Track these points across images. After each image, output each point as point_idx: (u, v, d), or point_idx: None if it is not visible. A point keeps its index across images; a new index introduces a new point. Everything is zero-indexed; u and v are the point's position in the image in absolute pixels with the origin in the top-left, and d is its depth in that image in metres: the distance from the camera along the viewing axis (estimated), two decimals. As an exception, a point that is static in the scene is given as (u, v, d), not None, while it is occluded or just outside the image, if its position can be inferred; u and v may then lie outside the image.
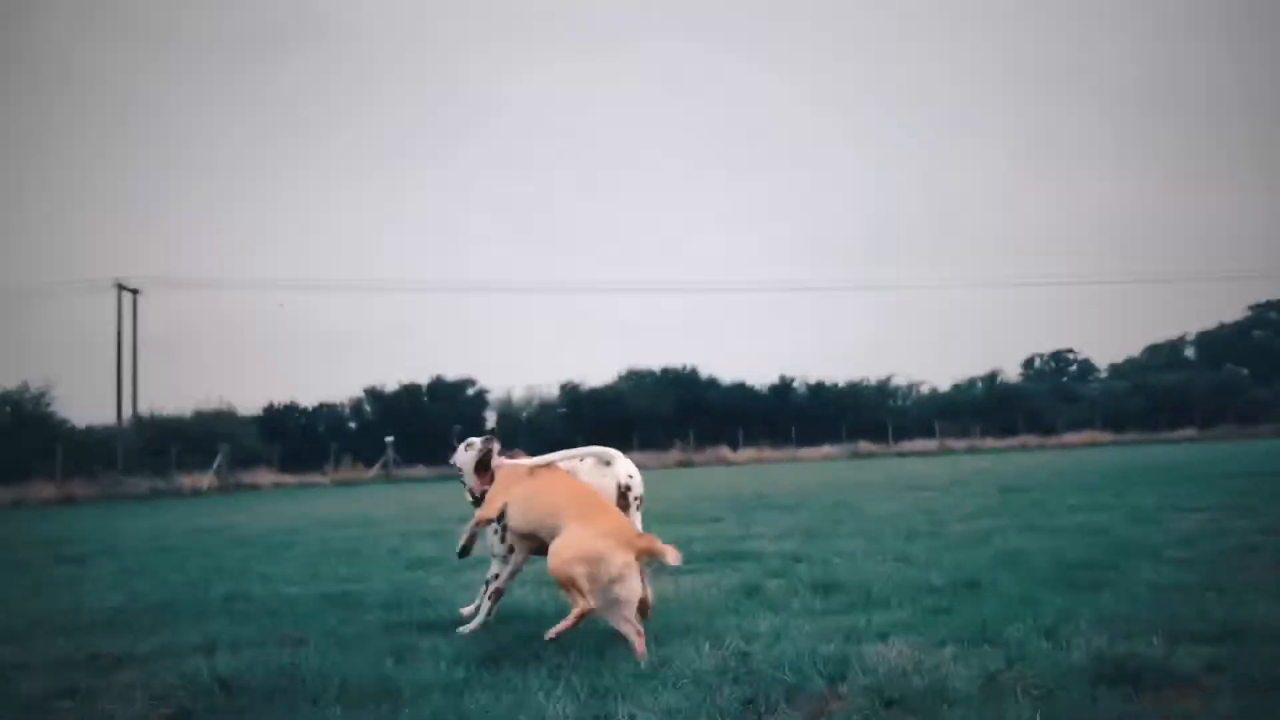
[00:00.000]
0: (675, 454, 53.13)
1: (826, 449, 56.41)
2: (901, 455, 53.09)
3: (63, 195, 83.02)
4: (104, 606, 7.21)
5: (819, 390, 64.56)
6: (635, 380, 60.96)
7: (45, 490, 33.81)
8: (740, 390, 62.77)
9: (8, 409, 38.11)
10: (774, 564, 7.80)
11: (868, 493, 17.19)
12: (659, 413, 57.69)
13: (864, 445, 56.76)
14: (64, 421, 40.02)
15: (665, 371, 62.33)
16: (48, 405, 39.37)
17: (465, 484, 5.72)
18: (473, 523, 5.39)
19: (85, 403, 63.69)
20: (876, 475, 25.67)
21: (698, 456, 52.81)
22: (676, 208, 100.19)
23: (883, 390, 67.03)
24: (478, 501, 5.60)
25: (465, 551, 5.54)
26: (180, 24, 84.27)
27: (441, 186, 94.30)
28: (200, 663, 5.02)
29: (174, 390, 73.02)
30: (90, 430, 42.08)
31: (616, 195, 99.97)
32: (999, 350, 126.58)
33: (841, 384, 65.33)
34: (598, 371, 76.92)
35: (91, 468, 37.43)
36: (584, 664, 4.35)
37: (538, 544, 5.06)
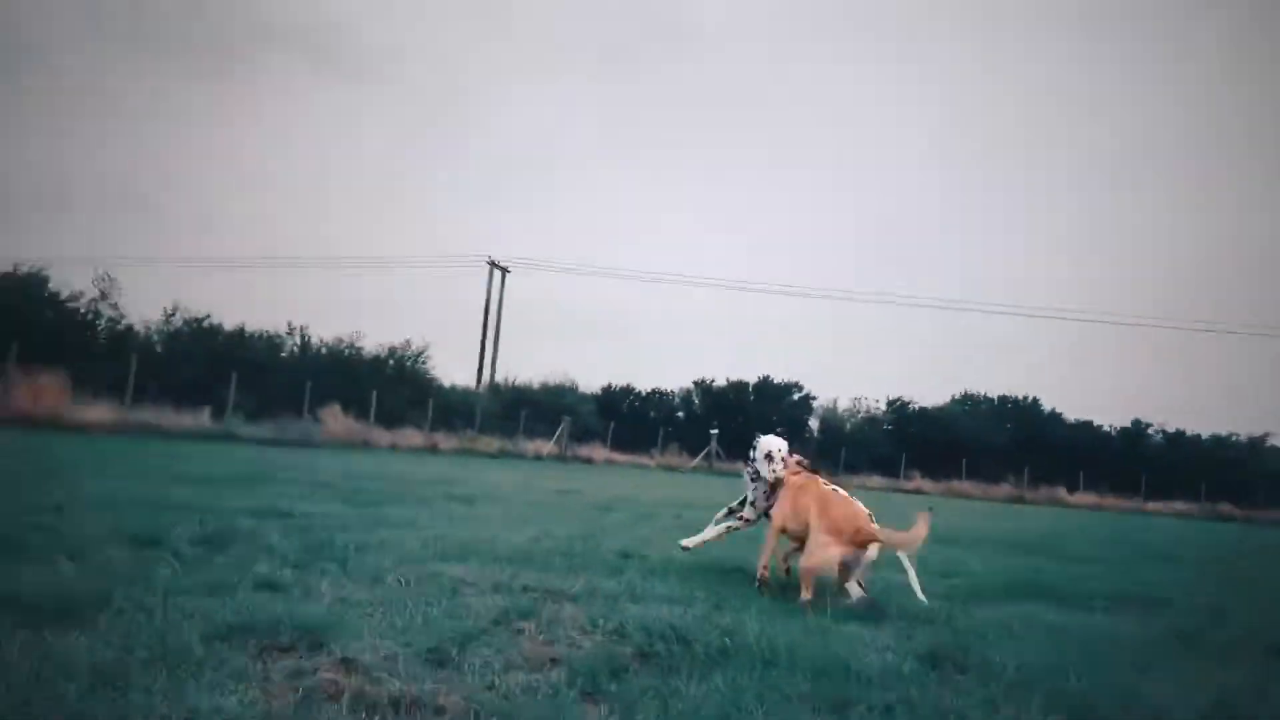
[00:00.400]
0: (1006, 488, 49.88)
1: (1179, 505, 50.67)
2: (1275, 524, 46.48)
3: (443, 180, 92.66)
4: (515, 542, 7.50)
5: (1178, 440, 57.94)
6: (969, 405, 57.84)
7: (415, 438, 37.38)
8: (1085, 429, 57.73)
9: (391, 362, 42.55)
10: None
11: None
12: (992, 442, 54.37)
13: (1224, 507, 50.41)
14: (433, 380, 44.12)
15: (1003, 399, 58.62)
16: (423, 363, 43.58)
17: (755, 481, 6.67)
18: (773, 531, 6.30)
19: (451, 365, 70.73)
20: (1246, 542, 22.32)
21: (1030, 494, 49.23)
22: (1029, 229, 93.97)
23: (1255, 448, 58.89)
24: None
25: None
26: (556, 27, 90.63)
27: (792, 189, 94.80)
28: (630, 608, 4.94)
29: (526, 362, 79.21)
30: (453, 390, 46.10)
31: (965, 211, 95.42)
32: None
33: (1205, 436, 58.23)
34: (929, 391, 74.19)
35: (453, 423, 40.95)
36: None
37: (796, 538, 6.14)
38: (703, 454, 47.47)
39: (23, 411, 24.81)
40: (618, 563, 6.86)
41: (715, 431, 47.38)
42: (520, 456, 39.80)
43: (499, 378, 49.64)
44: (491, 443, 40.62)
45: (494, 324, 49.70)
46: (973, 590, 6.85)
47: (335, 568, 5.47)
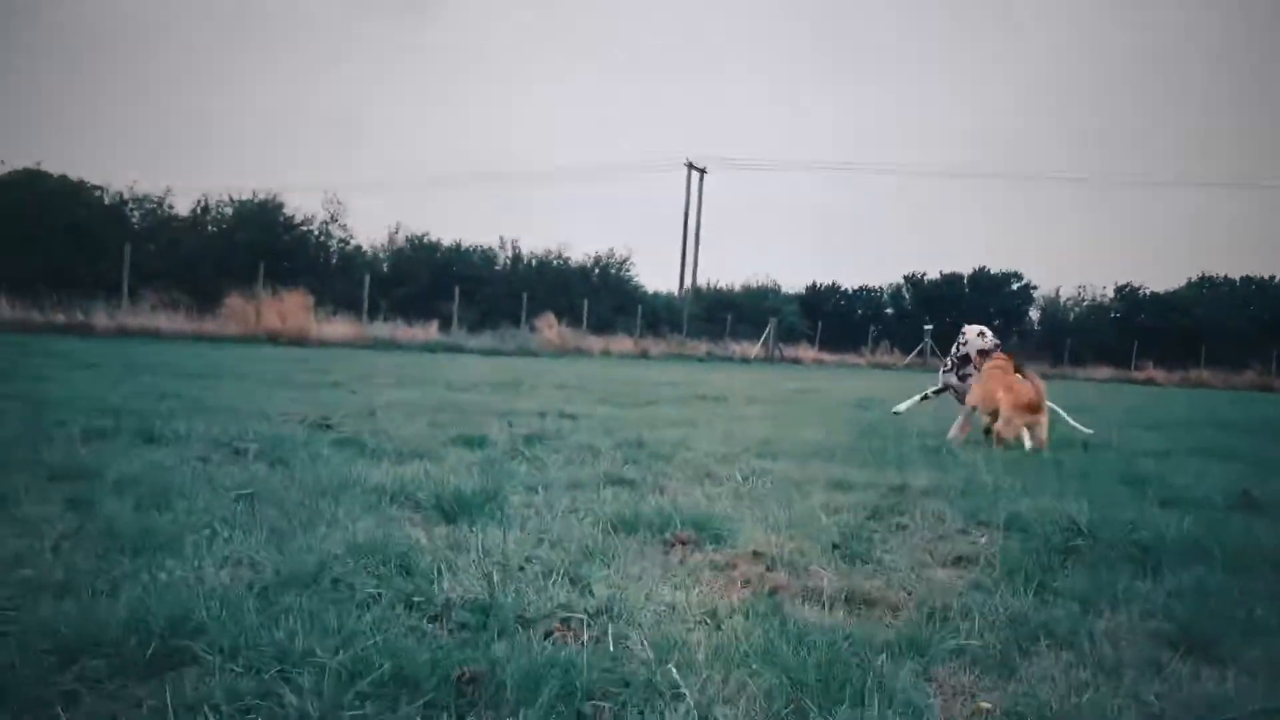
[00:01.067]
0: (1250, 375, 45.87)
1: None
2: None
3: (643, 85, 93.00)
4: (811, 439, 7.29)
5: None
6: (1207, 288, 53.13)
7: (625, 344, 37.97)
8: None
9: (597, 271, 43.16)
10: None
11: None
12: (1234, 328, 49.89)
13: None
14: (638, 286, 44.49)
15: (1245, 280, 53.51)
16: (627, 271, 43.97)
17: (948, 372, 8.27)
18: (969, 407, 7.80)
19: (653, 272, 71.76)
20: None
21: (1279, 382, 45.09)
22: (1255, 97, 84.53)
23: None
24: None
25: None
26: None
27: (992, 67, 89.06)
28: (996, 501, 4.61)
29: (728, 265, 79.37)
30: (656, 296, 46.39)
31: (1185, 86, 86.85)
32: None
33: None
34: (1162, 275, 68.62)
35: (659, 329, 41.30)
36: None
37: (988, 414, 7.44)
38: (916, 351, 45.99)
39: (273, 329, 26.75)
40: (927, 456, 6.52)
41: (929, 328, 45.69)
42: (728, 359, 39.76)
43: (700, 282, 49.57)
44: (699, 346, 40.76)
45: (694, 228, 49.40)
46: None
47: (664, 465, 5.40)
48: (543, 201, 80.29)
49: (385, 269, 34.38)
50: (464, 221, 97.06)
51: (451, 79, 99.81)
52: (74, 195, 29.30)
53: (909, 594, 2.97)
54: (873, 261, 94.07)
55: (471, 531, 3.40)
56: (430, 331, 30.92)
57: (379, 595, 2.55)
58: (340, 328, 28.37)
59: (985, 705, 2.02)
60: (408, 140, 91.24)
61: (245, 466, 4.43)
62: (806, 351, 44.82)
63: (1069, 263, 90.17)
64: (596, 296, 40.10)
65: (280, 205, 33.03)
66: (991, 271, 53.21)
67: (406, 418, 7.12)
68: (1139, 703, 2.12)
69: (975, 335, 7.98)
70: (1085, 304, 53.32)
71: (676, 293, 48.83)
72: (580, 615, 2.46)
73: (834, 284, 54.63)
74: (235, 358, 15.85)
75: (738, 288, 49.98)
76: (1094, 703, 2.09)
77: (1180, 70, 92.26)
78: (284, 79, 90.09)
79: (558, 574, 2.88)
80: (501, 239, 41.10)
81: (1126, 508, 4.41)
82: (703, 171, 49.48)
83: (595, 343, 36.54)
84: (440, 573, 2.77)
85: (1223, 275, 53.67)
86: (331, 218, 34.35)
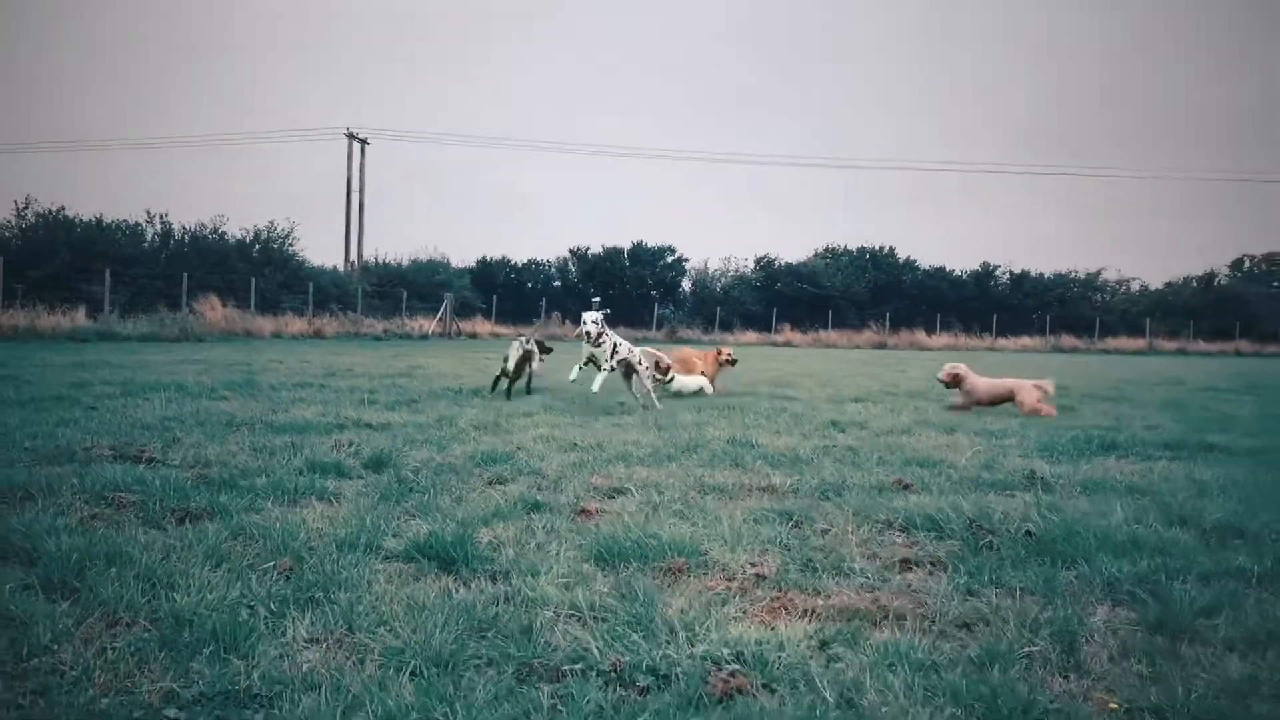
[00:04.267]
0: (869, 335, 52.53)
1: (1025, 340, 54.80)
2: (1106, 353, 51.05)
3: (298, 51, 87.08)
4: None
5: (1022, 280, 62.18)
6: (831, 258, 59.94)
7: (297, 324, 36.05)
8: (939, 275, 61.08)
9: (257, 247, 40.47)
10: None
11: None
12: (854, 293, 56.87)
13: (1067, 339, 54.89)
14: (304, 262, 42.28)
15: (862, 250, 61.03)
16: (290, 246, 41.61)
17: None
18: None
19: (317, 246, 67.97)
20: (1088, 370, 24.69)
21: (892, 339, 52.08)
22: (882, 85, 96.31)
23: (1089, 284, 63.99)
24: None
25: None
26: None
27: (640, 56, 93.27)
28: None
29: (395, 239, 77.02)
30: (322, 270, 44.36)
31: (820, 72, 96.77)
32: (1208, 249, 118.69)
33: (1048, 275, 62.71)
34: (792, 248, 76.29)
35: (330, 307, 39.61)
36: None
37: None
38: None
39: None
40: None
41: (597, 299, 47.60)
42: (406, 336, 39.02)
43: (368, 256, 48.01)
44: (375, 324, 39.60)
45: (358, 200, 47.62)
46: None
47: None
48: (192, 172, 73.40)
49: (15, 249, 29.93)
50: (104, 195, 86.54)
51: (76, 34, 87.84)
52: None
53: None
54: (540, 237, 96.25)
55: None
56: (77, 318, 27.56)
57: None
58: (-39, 318, 24.52)
59: (1113, 705, 2.55)
60: (34, 103, 79.48)
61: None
62: (483, 325, 45.02)
63: (716, 237, 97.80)
64: (261, 274, 37.65)
65: None
66: (648, 245, 56.34)
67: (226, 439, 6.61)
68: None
69: (591, 320, 10.03)
70: (731, 274, 58.12)
71: (342, 268, 46.98)
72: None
73: (504, 258, 55.24)
74: None
75: (406, 262, 48.99)
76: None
77: (813, 52, 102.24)
78: None
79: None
80: (149, 213, 37.31)
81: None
82: (364, 142, 47.79)
83: (265, 324, 34.33)
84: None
85: (844, 245, 60.76)
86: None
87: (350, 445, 6.52)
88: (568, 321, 47.81)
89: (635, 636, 2.87)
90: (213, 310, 32.54)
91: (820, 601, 3.37)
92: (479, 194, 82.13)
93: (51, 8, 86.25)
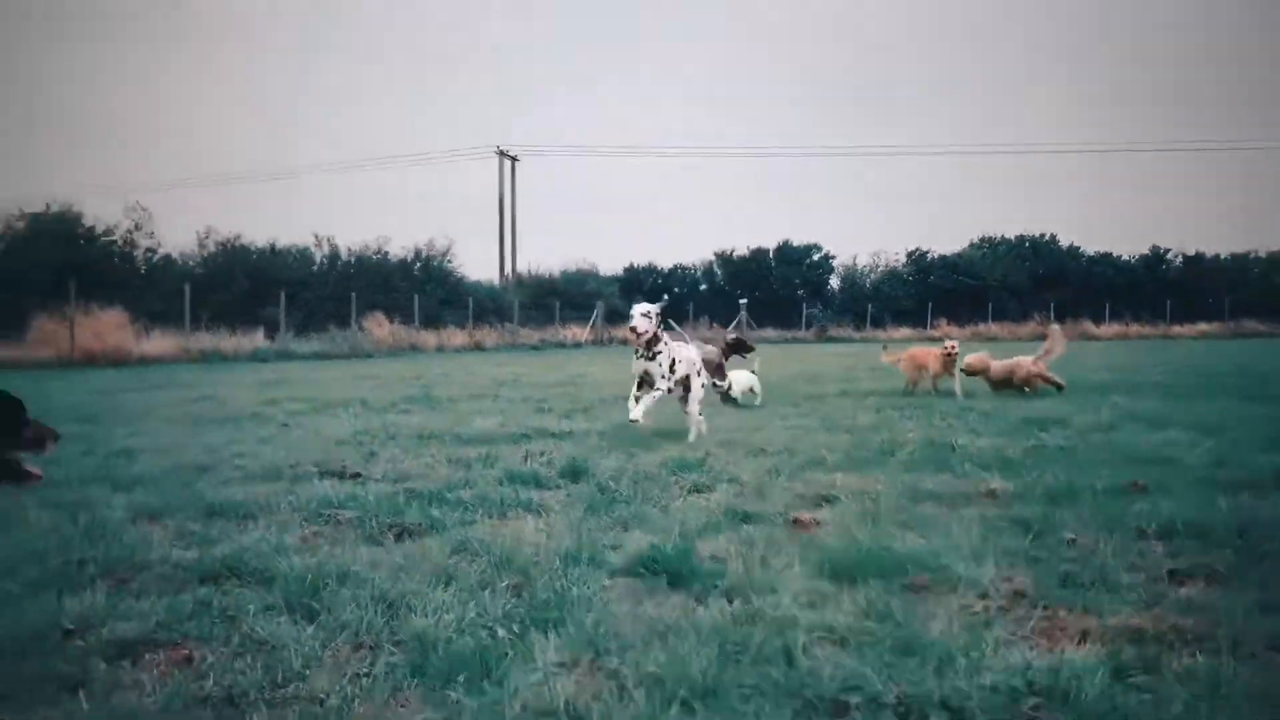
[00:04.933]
0: (1032, 326, 50.18)
1: (1203, 326, 51.17)
2: None
3: (451, 68, 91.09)
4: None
5: (1196, 262, 58.15)
6: (988, 248, 57.65)
7: (458, 338, 37.11)
8: (1105, 261, 57.83)
9: (418, 265, 41.89)
10: None
11: None
12: (1014, 283, 54.48)
13: (1249, 324, 50.95)
14: (461, 278, 43.51)
15: (1020, 239, 58.44)
16: (449, 262, 42.91)
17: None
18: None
19: (472, 261, 70.57)
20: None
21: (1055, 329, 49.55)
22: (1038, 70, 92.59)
23: (1274, 263, 59.26)
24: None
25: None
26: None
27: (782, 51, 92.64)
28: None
29: (545, 250, 78.99)
30: (479, 285, 45.56)
31: (978, 54, 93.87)
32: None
33: (1224, 255, 58.48)
34: (944, 239, 74.12)
35: (489, 319, 40.61)
36: None
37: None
38: (733, 324, 47.44)
39: (89, 350, 24.39)
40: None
41: (744, 301, 47.27)
42: (560, 345, 39.70)
43: (520, 269, 49.13)
44: (531, 334, 40.45)
45: (510, 215, 48.80)
46: None
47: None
48: (353, 196, 77.21)
49: (199, 277, 31.93)
50: (274, 221, 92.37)
51: (239, 73, 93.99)
52: None
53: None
54: (684, 241, 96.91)
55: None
56: (256, 340, 29.15)
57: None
58: (161, 343, 26.24)
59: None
60: (202, 138, 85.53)
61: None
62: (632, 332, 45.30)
63: (866, 232, 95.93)
64: (422, 290, 38.93)
65: (79, 215, 30.03)
66: (794, 244, 55.54)
67: (416, 453, 6.70)
68: None
69: (641, 314, 7.61)
70: (881, 269, 56.63)
71: (498, 281, 48.16)
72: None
73: (651, 264, 55.51)
74: (66, 389, 14.37)
75: (558, 273, 49.83)
76: None
77: (952, 39, 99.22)
78: (63, 79, 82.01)
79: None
80: (316, 236, 39.20)
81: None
82: (514, 159, 48.94)
83: (429, 338, 35.49)
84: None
85: (1001, 235, 58.35)
86: (136, 225, 31.60)
87: (541, 455, 6.49)
88: (714, 325, 47.66)
89: (908, 663, 2.62)
90: (380, 327, 33.83)
91: (1095, 621, 3.02)
92: (624, 202, 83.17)
93: (216, 46, 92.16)
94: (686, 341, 8.90)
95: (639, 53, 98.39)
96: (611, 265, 54.20)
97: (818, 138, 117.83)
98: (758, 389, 10.79)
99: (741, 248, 55.93)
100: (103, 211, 43.33)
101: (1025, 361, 11.72)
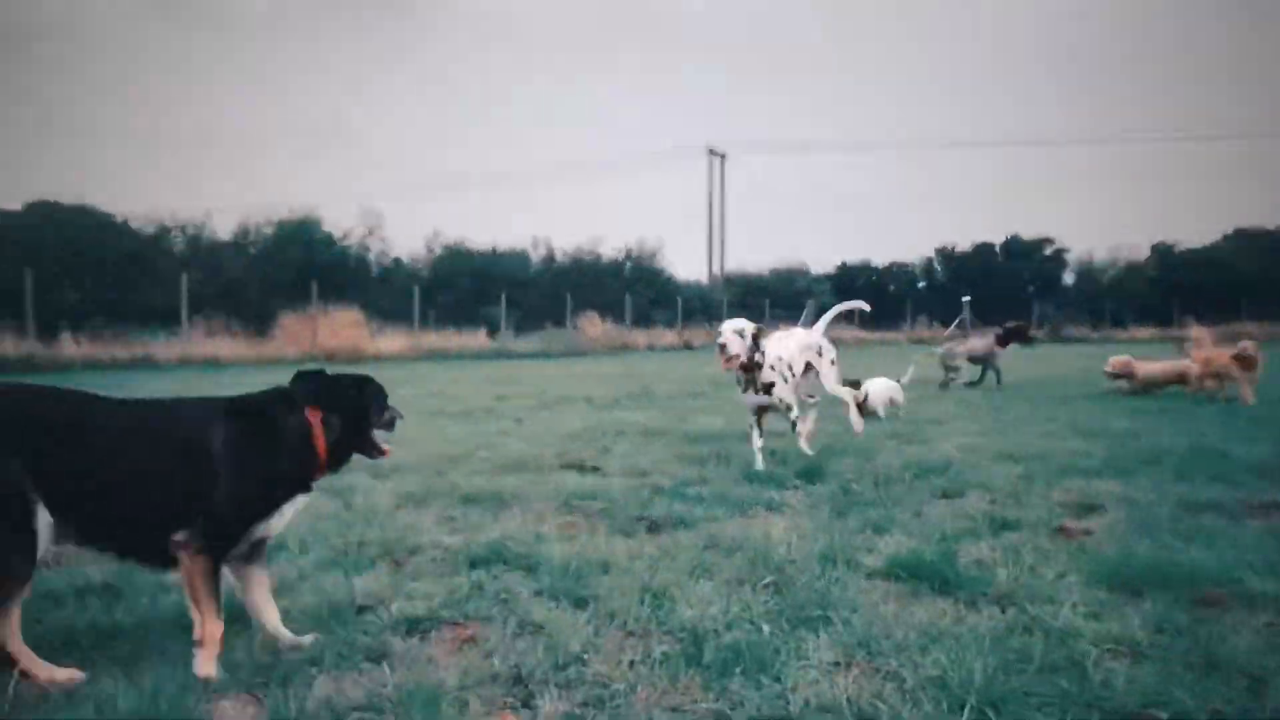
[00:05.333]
0: (1294, 325, 45.51)
1: None
2: None
3: (659, 74, 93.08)
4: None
5: None
6: (1245, 240, 52.70)
7: (667, 337, 37.62)
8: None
9: (629, 265, 42.81)
10: None
11: None
12: (1275, 279, 49.48)
13: None
14: (670, 277, 44.13)
15: (1283, 230, 53.03)
16: (658, 262, 43.62)
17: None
18: None
19: (678, 260, 71.80)
20: None
21: (1329, 329, 44.66)
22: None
23: None
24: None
25: None
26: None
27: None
28: None
29: (753, 249, 79.25)
30: (687, 285, 46.03)
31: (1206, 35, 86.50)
32: None
33: None
34: (1192, 231, 68.27)
35: (697, 319, 40.93)
36: None
37: None
38: (956, 323, 45.61)
39: (329, 347, 26.40)
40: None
41: (967, 299, 45.32)
42: (771, 345, 39.41)
43: (729, 267, 49.28)
44: (741, 334, 40.42)
45: (718, 213, 49.00)
46: None
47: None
48: (568, 199, 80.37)
49: (426, 278, 33.98)
50: (490, 224, 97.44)
51: (448, 86, 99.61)
52: (114, 227, 29.00)
53: None
54: (900, 237, 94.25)
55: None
56: (480, 338, 30.64)
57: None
58: (393, 341, 28.03)
59: None
60: (424, 146, 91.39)
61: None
62: (847, 331, 44.47)
63: (1102, 224, 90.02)
64: (633, 290, 39.74)
65: (319, 221, 32.74)
66: (1024, 238, 52.78)
67: (640, 450, 6.81)
68: None
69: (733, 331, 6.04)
70: (1121, 265, 52.88)
71: (705, 280, 48.49)
72: None
73: (865, 261, 54.27)
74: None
75: (767, 272, 49.62)
76: None
77: (1202, 19, 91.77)
78: (298, 92, 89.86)
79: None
80: (534, 239, 40.80)
81: None
82: (723, 157, 49.08)
83: (639, 337, 36.16)
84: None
85: (1260, 226, 53.22)
86: (369, 231, 34.04)
87: (773, 454, 6.43)
88: (935, 324, 45.98)
89: (1212, 681, 2.41)
90: (593, 326, 34.80)
91: None
92: (836, 198, 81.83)
93: (445, 59, 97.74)
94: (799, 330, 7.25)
95: (852, 47, 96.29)
96: (823, 263, 53.50)
97: (1045, 126, 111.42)
98: (900, 399, 9.58)
99: (964, 243, 53.79)
100: (340, 217, 46.36)
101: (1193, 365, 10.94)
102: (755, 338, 6.00)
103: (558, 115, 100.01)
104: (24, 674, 2.43)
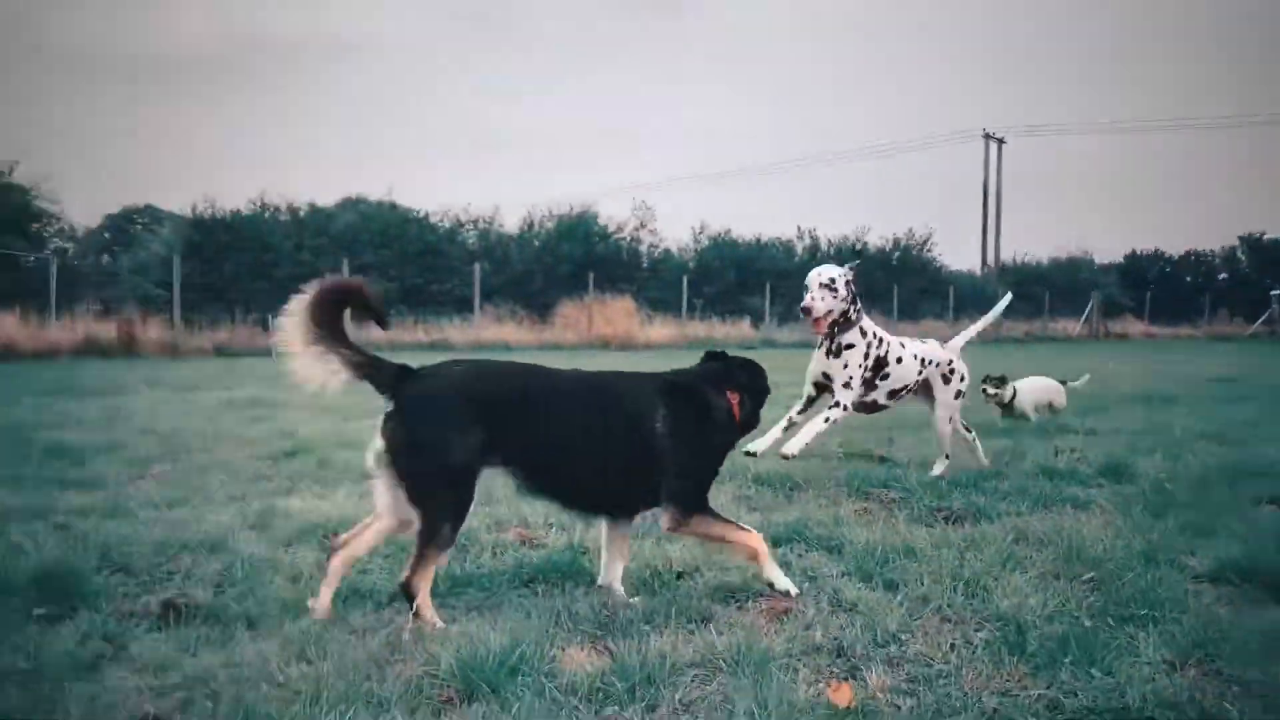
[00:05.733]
0: None
1: None
2: None
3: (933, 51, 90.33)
4: None
5: None
6: None
7: (937, 330, 36.27)
8: None
9: (896, 254, 41.60)
10: None
11: None
12: None
13: None
14: (942, 268, 42.48)
15: None
16: (929, 251, 42.09)
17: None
18: None
19: (953, 250, 69.22)
20: None
21: None
22: None
23: None
24: None
25: None
26: None
27: None
28: None
29: (1029, 237, 75.10)
30: (958, 275, 44.15)
31: None
32: None
33: None
34: None
35: (968, 310, 39.18)
36: None
37: None
38: (1262, 319, 41.09)
39: (604, 335, 27.64)
40: None
41: (1276, 293, 40.67)
42: (1049, 339, 37.18)
43: (1004, 256, 46.82)
44: (1016, 326, 38.37)
45: (994, 200, 46.66)
46: None
47: None
48: (836, 186, 79.51)
49: (692, 269, 34.70)
50: (753, 214, 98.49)
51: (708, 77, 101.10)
52: (417, 221, 31.78)
53: None
54: (1198, 222, 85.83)
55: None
56: (744, 328, 30.94)
57: None
58: (663, 330, 28.89)
59: None
60: (695, 138, 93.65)
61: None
62: (1134, 325, 41.17)
63: None
64: (900, 281, 38.62)
65: (595, 215, 34.25)
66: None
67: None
68: None
69: (821, 283, 5.06)
70: None
71: (978, 270, 46.35)
72: None
73: (1157, 250, 49.85)
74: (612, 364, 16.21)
75: (1045, 261, 46.69)
76: None
77: None
78: (571, 91, 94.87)
79: None
80: (799, 229, 40.56)
81: None
82: (1001, 141, 46.71)
83: (907, 330, 35.07)
84: None
85: None
86: (640, 224, 35.18)
87: (1072, 452, 6.16)
88: (1236, 319, 41.61)
89: None
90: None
91: None
92: (1124, 182, 75.65)
93: (708, 59, 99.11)
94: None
95: (1137, 20, 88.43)
96: (1110, 252, 49.69)
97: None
98: (1061, 402, 8.40)
99: (1274, 229, 48.23)
100: (615, 210, 48.24)
101: None
102: (851, 287, 5.03)
103: (827, 103, 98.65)
104: (416, 615, 2.81)
